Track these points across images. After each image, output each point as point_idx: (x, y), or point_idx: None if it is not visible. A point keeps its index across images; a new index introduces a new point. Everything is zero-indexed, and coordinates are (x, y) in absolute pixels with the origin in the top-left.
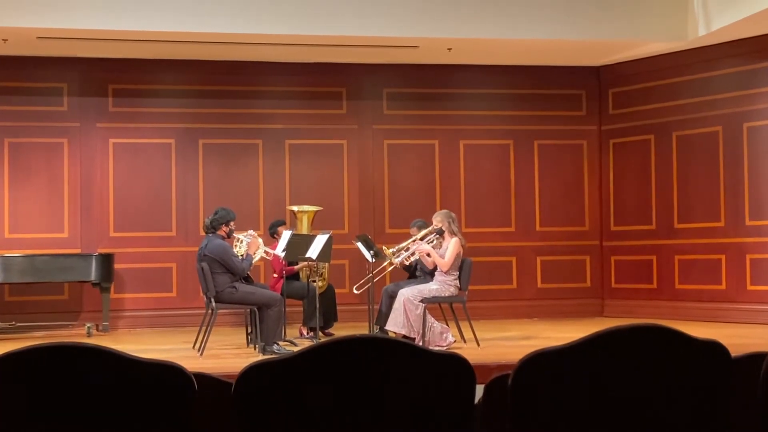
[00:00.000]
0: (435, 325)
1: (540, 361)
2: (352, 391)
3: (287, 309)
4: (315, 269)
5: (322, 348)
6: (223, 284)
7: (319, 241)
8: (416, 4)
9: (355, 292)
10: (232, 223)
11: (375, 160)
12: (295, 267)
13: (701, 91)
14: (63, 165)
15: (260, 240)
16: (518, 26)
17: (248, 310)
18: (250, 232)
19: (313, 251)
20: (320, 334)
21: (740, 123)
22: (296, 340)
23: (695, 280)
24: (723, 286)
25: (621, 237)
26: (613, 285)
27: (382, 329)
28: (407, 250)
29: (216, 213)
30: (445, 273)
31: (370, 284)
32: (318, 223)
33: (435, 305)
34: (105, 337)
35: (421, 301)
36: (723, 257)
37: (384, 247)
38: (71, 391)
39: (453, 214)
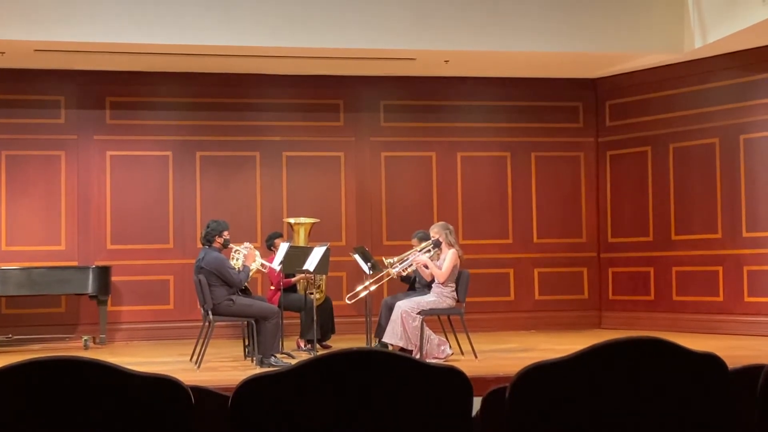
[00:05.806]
0: (432, 337)
1: (537, 374)
2: (349, 404)
3: (284, 321)
4: (312, 281)
5: (319, 361)
6: (220, 297)
7: (317, 254)
8: (413, 16)
9: (348, 302)
10: (225, 233)
11: (372, 172)
12: (293, 279)
13: (698, 103)
14: (60, 178)
15: (257, 252)
16: (515, 39)
17: (245, 322)
18: (246, 244)
19: (311, 263)
20: (318, 346)
21: (737, 135)
22: (294, 352)
23: (693, 292)
24: (720, 298)
25: (618, 249)
26: (611, 297)
27: (381, 341)
28: (406, 260)
29: (208, 226)
30: (442, 284)
31: (365, 293)
32: (315, 235)
33: (433, 317)
34: (102, 349)
35: (419, 313)
36: (720, 269)
37: (383, 258)
38: (67, 405)
39: (450, 226)
